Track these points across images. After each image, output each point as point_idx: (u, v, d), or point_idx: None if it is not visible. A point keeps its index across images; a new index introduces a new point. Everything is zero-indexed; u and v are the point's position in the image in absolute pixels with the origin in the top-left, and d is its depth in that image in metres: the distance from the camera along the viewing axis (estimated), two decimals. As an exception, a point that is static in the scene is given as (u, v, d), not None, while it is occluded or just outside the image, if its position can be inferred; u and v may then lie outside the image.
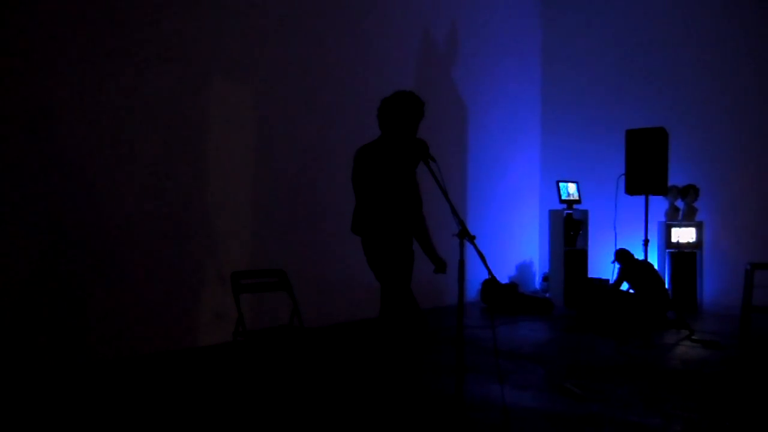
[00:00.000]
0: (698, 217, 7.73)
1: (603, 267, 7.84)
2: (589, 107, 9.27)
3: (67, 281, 4.37)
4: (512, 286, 7.98)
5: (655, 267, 6.77)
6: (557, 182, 7.78)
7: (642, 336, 5.64)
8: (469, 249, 2.91)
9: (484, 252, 2.80)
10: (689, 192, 7.71)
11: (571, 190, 7.87)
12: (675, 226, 7.66)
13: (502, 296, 7.56)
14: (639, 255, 6.36)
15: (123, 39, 4.69)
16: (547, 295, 8.11)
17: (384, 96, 3.41)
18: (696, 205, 7.75)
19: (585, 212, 8.05)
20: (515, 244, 9.13)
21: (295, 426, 3.34)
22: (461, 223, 2.87)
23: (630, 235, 7.29)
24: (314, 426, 3.34)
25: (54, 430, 3.25)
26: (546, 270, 8.69)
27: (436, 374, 4.34)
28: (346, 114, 6.37)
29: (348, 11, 6.57)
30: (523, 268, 9.30)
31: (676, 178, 7.44)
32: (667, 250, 7.67)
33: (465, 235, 2.85)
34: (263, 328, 4.12)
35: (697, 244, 7.57)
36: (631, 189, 5.96)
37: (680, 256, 7.58)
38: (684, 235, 7.62)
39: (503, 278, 8.72)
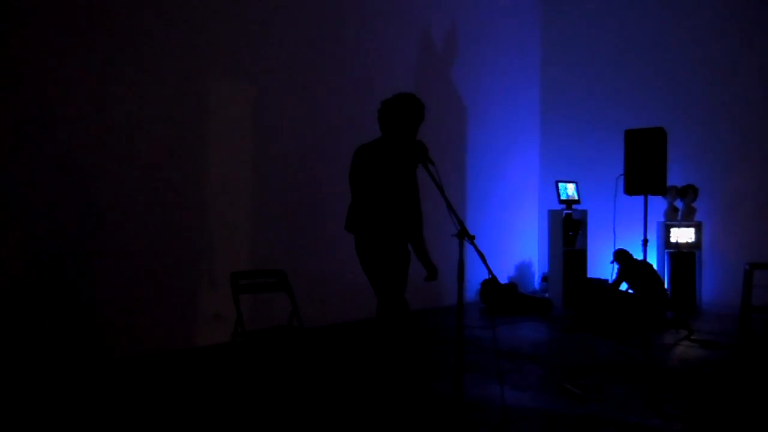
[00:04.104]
0: (697, 217, 7.73)
1: (602, 267, 7.84)
2: (588, 107, 9.27)
3: (66, 281, 4.37)
4: (512, 286, 7.98)
5: (654, 267, 6.77)
6: (556, 182, 7.78)
7: (641, 336, 5.64)
8: (468, 249, 2.91)
9: (483, 252, 2.80)
10: (688, 192, 7.70)
11: (570, 190, 7.87)
12: (674, 226, 7.66)
13: (502, 296, 7.55)
14: (638, 255, 6.36)
15: (122, 40, 4.69)
16: (547, 295, 8.10)
17: (383, 96, 3.42)
18: (695, 205, 7.75)
19: (584, 212, 8.05)
20: (514, 245, 9.13)
21: (295, 426, 3.34)
22: (460, 223, 2.87)
23: (629, 236, 7.28)
24: (313, 426, 3.34)
25: (54, 429, 3.25)
26: (545, 270, 8.69)
27: (435, 374, 4.34)
28: (346, 114, 6.36)
29: (348, 11, 6.57)
30: (523, 269, 9.30)
31: (675, 178, 7.44)
32: (666, 250, 7.67)
33: (464, 236, 2.85)
34: (262, 329, 4.11)
35: (696, 244, 7.57)
36: (630, 189, 5.97)
37: (679, 256, 7.58)
38: (683, 235, 7.62)
39: (502, 278, 8.72)
